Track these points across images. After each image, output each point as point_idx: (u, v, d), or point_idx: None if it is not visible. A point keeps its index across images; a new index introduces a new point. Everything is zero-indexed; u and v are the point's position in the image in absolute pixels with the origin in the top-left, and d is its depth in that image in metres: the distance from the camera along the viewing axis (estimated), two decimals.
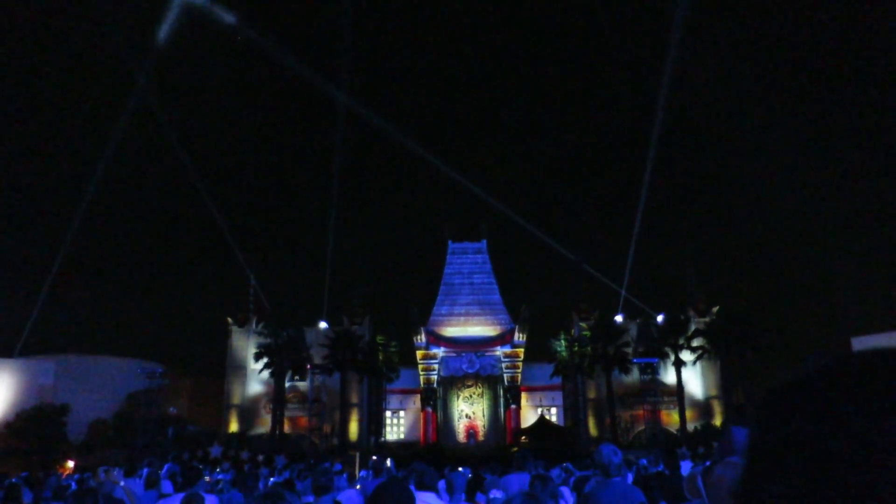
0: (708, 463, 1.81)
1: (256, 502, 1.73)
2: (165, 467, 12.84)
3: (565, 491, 9.20)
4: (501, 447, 41.69)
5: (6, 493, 6.65)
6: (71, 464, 37.21)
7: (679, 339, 45.33)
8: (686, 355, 45.33)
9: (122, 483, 7.43)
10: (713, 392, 47.87)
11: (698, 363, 46.38)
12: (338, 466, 15.02)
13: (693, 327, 46.61)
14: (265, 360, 45.15)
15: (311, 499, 6.41)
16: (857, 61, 76.66)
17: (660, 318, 47.60)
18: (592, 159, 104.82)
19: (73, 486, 13.97)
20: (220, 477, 14.98)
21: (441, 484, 8.83)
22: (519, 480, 8.09)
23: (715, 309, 48.24)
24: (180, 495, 6.77)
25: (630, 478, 9.98)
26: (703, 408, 47.42)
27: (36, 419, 41.61)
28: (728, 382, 45.25)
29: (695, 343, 45.44)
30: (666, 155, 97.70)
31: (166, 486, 9.33)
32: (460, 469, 13.29)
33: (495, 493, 7.90)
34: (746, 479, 0.53)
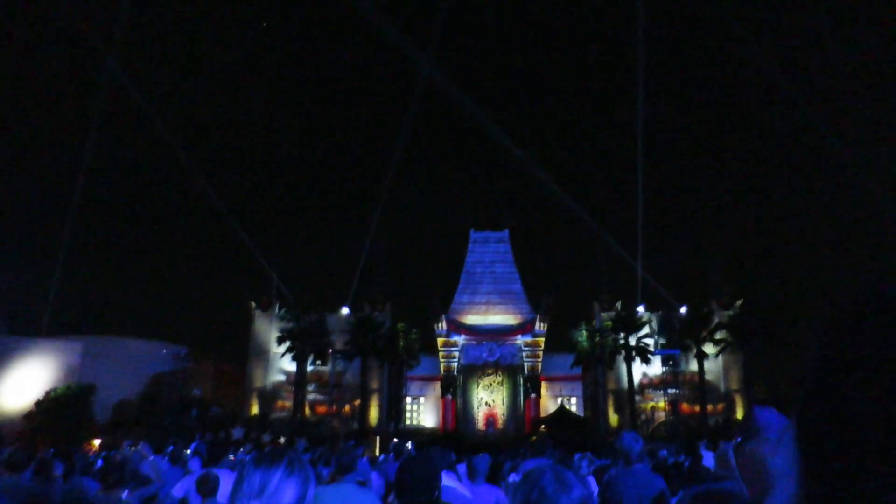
0: (739, 439, 1.81)
1: (255, 459, 1.73)
2: (192, 445, 13.05)
3: (592, 481, 9.19)
4: (520, 436, 41.74)
5: (37, 465, 6.79)
6: (97, 442, 37.98)
7: (702, 331, 44.98)
8: (708, 348, 45.00)
9: (150, 457, 7.55)
10: (735, 385, 47.47)
11: (720, 356, 46.03)
12: (359, 450, 15.14)
13: (716, 320, 46.20)
14: (287, 344, 45.58)
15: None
16: None
17: (683, 310, 47.27)
18: (618, 151, 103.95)
19: (100, 462, 14.27)
20: (242, 457, 15.21)
21: (462, 468, 8.87)
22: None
23: (739, 302, 47.74)
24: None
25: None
26: (725, 401, 47.06)
27: (64, 398, 42.47)
28: (750, 376, 44.84)
29: (717, 336, 45.07)
30: (691, 147, 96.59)
31: (195, 463, 9.49)
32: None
33: (515, 478, 7.93)
34: (817, 384, 0.49)
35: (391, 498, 5.60)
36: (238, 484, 1.77)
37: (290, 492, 1.74)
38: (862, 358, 0.45)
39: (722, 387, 47.81)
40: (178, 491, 7.66)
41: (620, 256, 48.34)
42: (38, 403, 42.43)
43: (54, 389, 43.07)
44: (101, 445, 34.55)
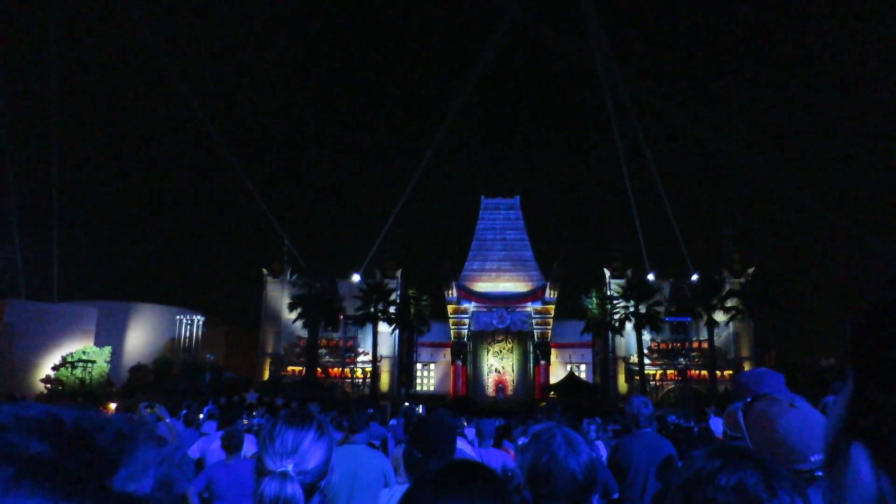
0: (749, 399, 1.81)
1: (286, 419, 1.75)
2: (206, 409, 13.28)
3: (600, 446, 9.33)
4: (530, 402, 42.10)
5: None
6: (113, 406, 38.64)
7: (712, 299, 44.82)
8: (719, 316, 44.87)
9: (167, 419, 7.68)
10: (745, 353, 47.54)
11: (731, 324, 45.95)
12: (369, 411, 15.34)
13: (727, 288, 46.00)
14: (299, 310, 45.90)
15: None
16: None
17: (694, 278, 47.10)
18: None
19: None
20: (256, 421, 15.46)
21: (471, 431, 8.98)
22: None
23: (751, 270, 47.51)
24: (221, 433, 7.02)
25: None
26: (735, 368, 47.16)
27: (81, 363, 43.18)
28: (761, 344, 44.81)
29: (728, 304, 44.90)
30: (701, 114, 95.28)
31: (209, 426, 9.67)
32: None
33: (524, 441, 8.02)
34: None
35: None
36: (269, 441, 1.77)
37: (318, 454, 1.77)
38: None
39: (731, 354, 47.90)
40: (193, 452, 7.84)
41: (631, 224, 48.12)
42: (56, 368, 43.20)
43: (71, 354, 43.78)
44: (117, 409, 35.17)
